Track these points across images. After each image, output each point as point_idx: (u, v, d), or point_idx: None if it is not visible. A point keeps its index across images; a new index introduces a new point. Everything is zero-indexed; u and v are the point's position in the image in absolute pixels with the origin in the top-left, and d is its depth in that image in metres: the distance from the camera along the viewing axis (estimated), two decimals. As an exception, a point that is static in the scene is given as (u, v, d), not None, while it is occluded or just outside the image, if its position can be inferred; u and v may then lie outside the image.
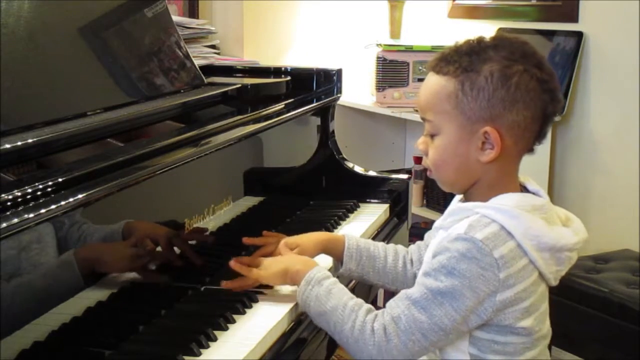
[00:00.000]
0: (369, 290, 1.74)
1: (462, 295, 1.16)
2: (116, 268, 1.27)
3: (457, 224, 1.23)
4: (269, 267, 1.37)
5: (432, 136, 1.25)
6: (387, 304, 1.23)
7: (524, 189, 1.28)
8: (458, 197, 1.35)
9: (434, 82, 1.24)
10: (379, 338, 1.20)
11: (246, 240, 1.52)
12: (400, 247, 1.50)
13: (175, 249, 1.40)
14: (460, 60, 1.21)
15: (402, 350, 1.19)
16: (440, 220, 1.31)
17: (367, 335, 1.20)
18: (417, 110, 1.37)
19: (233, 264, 1.37)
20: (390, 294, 1.34)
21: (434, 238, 1.31)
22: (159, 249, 1.36)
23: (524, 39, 1.26)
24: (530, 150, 1.26)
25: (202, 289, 1.43)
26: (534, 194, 1.27)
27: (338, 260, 1.48)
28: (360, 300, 1.27)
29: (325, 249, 1.48)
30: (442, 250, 1.20)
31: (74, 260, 1.14)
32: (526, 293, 1.20)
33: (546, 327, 1.27)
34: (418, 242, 1.49)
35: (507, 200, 1.21)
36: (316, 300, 1.27)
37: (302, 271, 1.32)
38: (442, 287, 1.17)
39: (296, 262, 1.36)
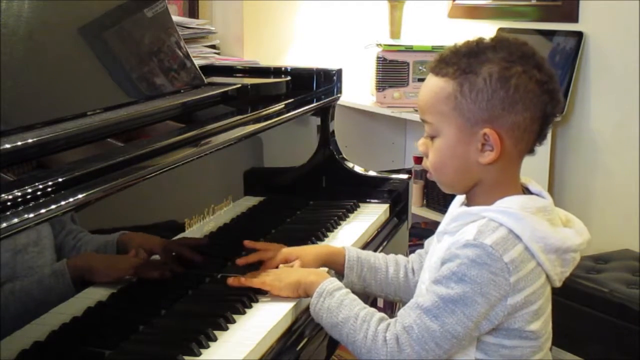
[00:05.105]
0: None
1: (473, 301, 1.16)
2: (111, 279, 1.25)
3: (463, 228, 1.22)
4: (282, 278, 1.37)
5: (432, 138, 1.25)
6: (399, 313, 1.22)
7: (525, 190, 1.28)
8: (458, 199, 1.34)
9: (433, 84, 1.24)
10: (391, 348, 1.19)
11: (247, 243, 1.52)
12: (400, 257, 1.49)
13: (174, 253, 1.40)
14: (459, 62, 1.21)
15: None
16: (443, 225, 1.30)
17: (379, 345, 1.20)
18: (417, 111, 1.37)
19: (244, 280, 1.38)
20: (390, 302, 1.33)
21: (439, 243, 1.29)
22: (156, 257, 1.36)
23: (524, 39, 1.25)
24: (531, 151, 1.25)
25: (202, 289, 1.43)
26: (536, 195, 1.26)
27: (339, 273, 1.47)
28: (372, 310, 1.26)
29: (326, 262, 1.47)
30: (452, 257, 1.19)
31: (66, 271, 1.13)
32: (535, 296, 1.19)
33: (550, 330, 1.27)
34: (419, 251, 1.48)
35: (512, 203, 1.21)
36: (328, 312, 1.27)
37: (315, 283, 1.31)
38: (453, 294, 1.16)
39: (309, 273, 1.36)
